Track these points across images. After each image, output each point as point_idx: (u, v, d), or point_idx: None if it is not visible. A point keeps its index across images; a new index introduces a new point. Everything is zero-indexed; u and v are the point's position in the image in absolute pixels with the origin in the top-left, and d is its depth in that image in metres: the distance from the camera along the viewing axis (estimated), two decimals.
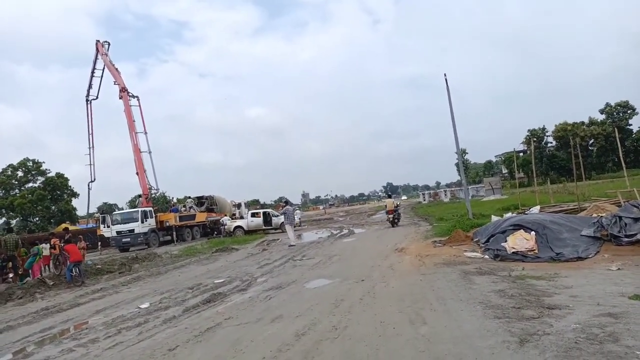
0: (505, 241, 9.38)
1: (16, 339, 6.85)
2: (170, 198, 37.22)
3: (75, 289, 11.82)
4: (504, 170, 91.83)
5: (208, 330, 5.95)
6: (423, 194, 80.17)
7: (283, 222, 21.91)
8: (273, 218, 30.07)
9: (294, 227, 21.10)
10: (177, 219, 29.49)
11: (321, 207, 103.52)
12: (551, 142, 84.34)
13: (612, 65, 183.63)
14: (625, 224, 8.53)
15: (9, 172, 50.41)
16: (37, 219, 49.95)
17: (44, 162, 52.33)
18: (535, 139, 74.13)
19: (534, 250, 8.75)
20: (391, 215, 22.36)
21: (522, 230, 9.38)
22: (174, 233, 29.01)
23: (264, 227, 29.77)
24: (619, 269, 6.96)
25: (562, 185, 39.06)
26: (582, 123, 78.99)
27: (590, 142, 76.76)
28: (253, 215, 30.85)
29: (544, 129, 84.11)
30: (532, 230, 9.21)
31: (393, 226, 22.08)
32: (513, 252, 8.93)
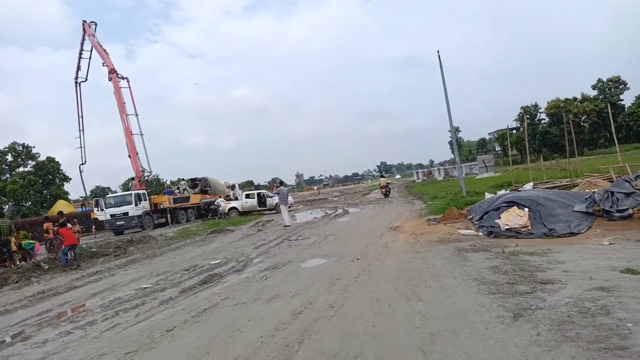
0: (499, 218, 9.45)
1: (13, 322, 6.87)
2: (164, 180, 36.96)
3: (70, 272, 11.83)
4: (497, 148, 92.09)
5: (205, 311, 5.99)
6: (417, 173, 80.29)
7: (277, 203, 21.90)
8: (267, 199, 30.04)
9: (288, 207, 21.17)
10: (171, 201, 29.40)
11: (315, 188, 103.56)
12: (544, 119, 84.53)
13: (603, 41, 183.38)
14: (617, 199, 8.62)
15: None
16: (29, 203, 49.61)
17: (34, 147, 51.84)
18: (528, 116, 74.16)
19: (527, 226, 8.83)
20: (384, 189, 30.12)
21: (515, 207, 9.44)
22: (169, 215, 28.98)
23: (258, 208, 29.78)
24: (610, 243, 7.04)
25: (555, 161, 39.32)
26: (575, 99, 79.09)
27: (583, 118, 76.93)
28: (247, 196, 30.82)
29: (536, 105, 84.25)
30: (525, 206, 9.28)
31: (386, 197, 29.35)
32: (507, 229, 9.01)
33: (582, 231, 8.27)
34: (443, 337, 3.94)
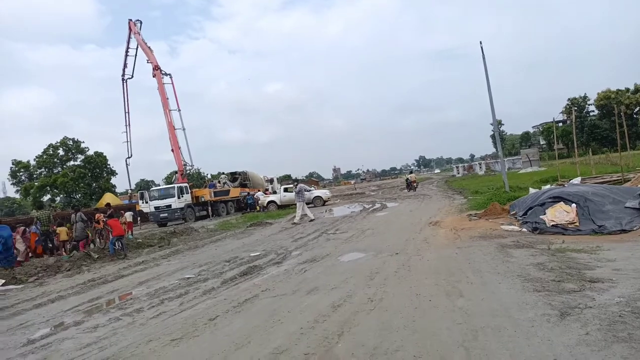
0: (544, 214, 9.14)
1: (67, 308, 7.25)
2: (205, 174, 37.85)
3: (118, 262, 12.34)
4: (542, 142, 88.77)
5: (246, 302, 6.11)
6: (457, 167, 78.75)
7: (301, 199, 21.23)
8: (305, 193, 30.22)
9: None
10: (212, 194, 30.06)
11: (352, 182, 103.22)
12: (593, 111, 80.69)
13: None
14: None
15: (50, 152, 52.36)
16: (79, 195, 51.93)
17: (83, 141, 54.13)
18: (575, 108, 71.00)
19: (575, 222, 8.50)
20: (414, 184, 35.07)
21: (562, 203, 9.11)
22: (209, 208, 29.63)
23: (296, 202, 29.97)
24: None
25: (605, 155, 37.55)
26: (627, 90, 74.92)
27: (636, 110, 72.87)
28: (286, 190, 31.09)
29: (585, 97, 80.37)
30: (572, 202, 8.93)
31: (415, 190, 33.11)
32: (552, 225, 8.71)
33: (635, 228, 7.87)
34: (486, 333, 3.86)
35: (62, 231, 14.82)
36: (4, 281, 10.54)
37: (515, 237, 8.63)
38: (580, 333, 3.60)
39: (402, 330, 4.23)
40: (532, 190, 13.37)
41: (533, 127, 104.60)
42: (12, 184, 52.02)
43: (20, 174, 51.67)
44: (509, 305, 4.52)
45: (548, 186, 14.38)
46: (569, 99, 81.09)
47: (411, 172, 43.91)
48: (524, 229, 9.32)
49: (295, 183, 23.93)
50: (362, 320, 4.69)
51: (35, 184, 50.17)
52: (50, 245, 14.74)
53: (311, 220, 17.51)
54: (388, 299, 5.37)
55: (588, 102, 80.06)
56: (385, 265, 7.43)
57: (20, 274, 11.11)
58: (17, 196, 58.28)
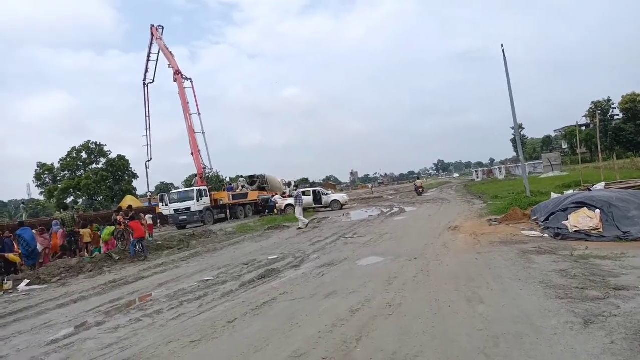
0: (567, 219, 8.97)
1: (89, 309, 7.39)
2: (224, 177, 38.14)
3: (138, 264, 12.52)
4: (564, 146, 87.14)
5: (264, 305, 6.13)
6: (476, 171, 77.93)
7: (293, 205, 21.64)
8: (323, 196, 30.29)
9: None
10: (231, 197, 30.26)
11: (369, 186, 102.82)
12: (617, 115, 78.91)
13: None
14: None
15: (74, 155, 53.51)
16: (101, 198, 52.95)
17: (105, 145, 55.20)
18: (599, 111, 69.50)
19: (599, 228, 8.31)
20: (421, 189, 37.93)
21: (585, 208, 8.91)
22: (228, 211, 29.84)
23: (314, 206, 30.01)
24: None
25: (630, 160, 36.67)
26: None
27: None
28: (303, 193, 31.11)
29: (609, 100, 78.64)
30: (596, 207, 8.74)
31: (421, 195, 35.46)
32: (575, 231, 8.54)
33: None
34: (507, 340, 3.81)
35: (86, 233, 15.11)
36: (28, 281, 10.80)
37: (537, 242, 8.49)
38: (605, 342, 3.51)
39: (421, 335, 4.19)
40: (554, 196, 13.12)
41: (555, 131, 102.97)
42: (37, 186, 53.53)
43: (45, 176, 53.00)
44: (530, 312, 4.44)
45: (571, 191, 14.11)
46: (592, 102, 79.56)
47: (418, 178, 54.43)
48: (546, 235, 9.16)
49: (295, 188, 24.13)
50: (380, 325, 4.66)
51: (59, 186, 51.33)
52: (74, 246, 15.02)
53: (299, 228, 17.62)
54: (407, 304, 5.33)
55: (612, 106, 78.38)
56: (403, 270, 7.38)
57: (44, 274, 11.37)
58: (42, 198, 59.73)
